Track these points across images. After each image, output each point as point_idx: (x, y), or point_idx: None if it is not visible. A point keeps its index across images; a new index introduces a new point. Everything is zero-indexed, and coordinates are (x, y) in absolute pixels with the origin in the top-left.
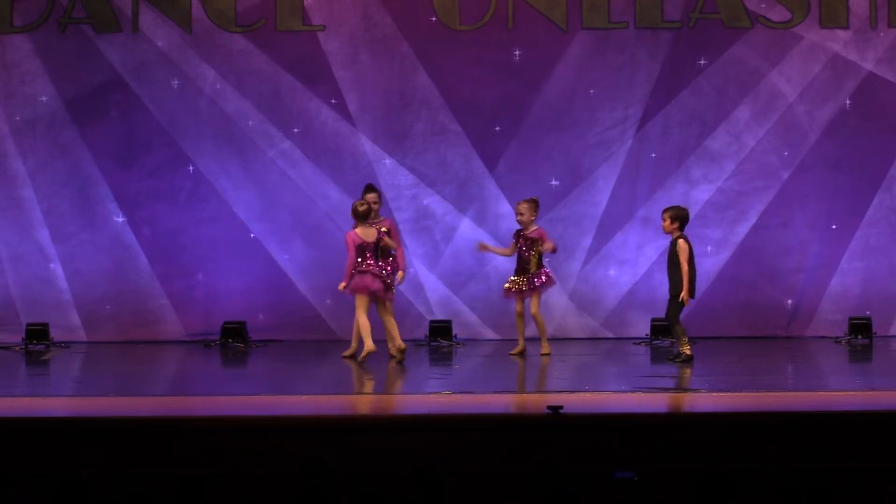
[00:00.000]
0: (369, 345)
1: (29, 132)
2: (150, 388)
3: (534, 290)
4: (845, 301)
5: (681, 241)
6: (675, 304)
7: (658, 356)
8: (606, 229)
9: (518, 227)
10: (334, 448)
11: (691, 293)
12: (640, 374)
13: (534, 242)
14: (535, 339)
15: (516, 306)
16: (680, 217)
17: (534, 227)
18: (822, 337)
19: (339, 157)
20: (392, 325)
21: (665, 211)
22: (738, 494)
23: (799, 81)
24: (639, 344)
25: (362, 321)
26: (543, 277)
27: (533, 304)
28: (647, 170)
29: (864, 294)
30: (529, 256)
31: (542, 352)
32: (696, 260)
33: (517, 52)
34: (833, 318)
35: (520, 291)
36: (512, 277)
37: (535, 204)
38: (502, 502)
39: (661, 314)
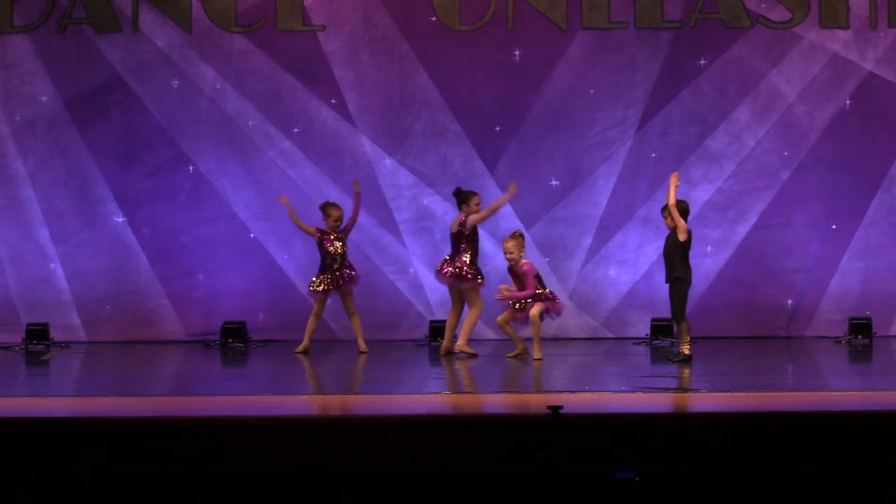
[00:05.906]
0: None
1: (29, 132)
2: (150, 388)
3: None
4: (845, 301)
5: (683, 223)
6: (679, 290)
7: (658, 356)
8: (606, 229)
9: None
10: (334, 448)
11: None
12: (640, 374)
13: (523, 277)
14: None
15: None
16: (681, 210)
17: (523, 261)
18: (822, 337)
19: (339, 157)
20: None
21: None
22: (737, 494)
23: (799, 81)
24: (639, 344)
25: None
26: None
27: (533, 309)
28: (647, 170)
29: (864, 294)
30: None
31: (535, 357)
32: (696, 260)
33: (517, 52)
34: (833, 318)
35: (513, 309)
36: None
37: (521, 239)
38: (502, 502)
39: (661, 314)
